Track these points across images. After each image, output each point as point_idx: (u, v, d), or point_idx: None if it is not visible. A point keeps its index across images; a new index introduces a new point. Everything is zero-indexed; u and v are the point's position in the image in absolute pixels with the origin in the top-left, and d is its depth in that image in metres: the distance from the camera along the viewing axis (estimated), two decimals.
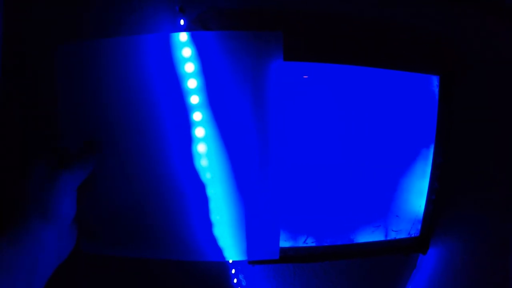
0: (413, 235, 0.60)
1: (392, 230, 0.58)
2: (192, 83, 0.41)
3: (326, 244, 0.56)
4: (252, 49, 0.40)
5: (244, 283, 0.59)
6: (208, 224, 0.43)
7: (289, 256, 0.55)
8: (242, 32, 0.40)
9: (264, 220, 0.43)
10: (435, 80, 0.56)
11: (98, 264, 0.58)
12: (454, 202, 0.62)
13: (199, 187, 0.42)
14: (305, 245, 0.55)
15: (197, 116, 0.42)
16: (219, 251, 0.43)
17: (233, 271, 0.59)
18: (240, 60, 0.40)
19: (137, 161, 0.42)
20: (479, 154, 0.62)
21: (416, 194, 0.58)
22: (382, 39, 0.58)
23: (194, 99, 0.41)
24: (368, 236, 0.58)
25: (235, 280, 0.59)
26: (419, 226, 0.60)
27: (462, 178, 0.62)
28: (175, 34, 0.41)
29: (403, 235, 0.59)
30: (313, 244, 0.55)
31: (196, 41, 0.40)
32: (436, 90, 0.56)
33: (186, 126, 0.42)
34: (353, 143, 0.55)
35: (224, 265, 0.59)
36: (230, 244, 0.43)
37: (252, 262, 0.55)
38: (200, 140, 0.42)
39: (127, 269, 0.59)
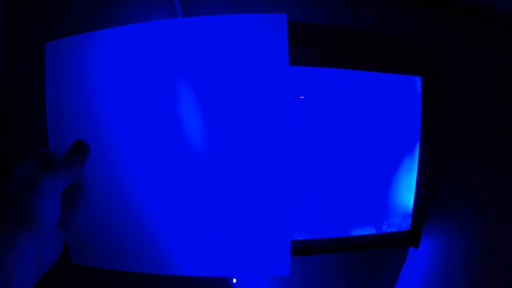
0: (404, 229, 0.62)
1: (383, 224, 0.61)
2: (192, 75, 0.37)
3: (319, 238, 0.58)
4: (254, 33, 0.36)
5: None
6: (209, 237, 0.39)
7: None
8: (244, 16, 0.37)
9: (271, 230, 0.38)
10: (418, 81, 0.59)
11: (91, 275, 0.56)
12: (442, 196, 0.64)
13: (198, 197, 0.38)
14: (298, 238, 0.58)
15: (195, 114, 0.37)
16: (218, 266, 0.39)
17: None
18: (241, 45, 0.37)
19: (129, 165, 0.38)
20: (464, 150, 0.65)
21: (404, 189, 0.61)
22: (370, 45, 0.62)
23: (194, 94, 0.37)
24: (360, 229, 0.60)
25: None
26: (409, 220, 0.62)
27: (449, 173, 0.65)
28: (171, 21, 0.38)
29: (394, 229, 0.62)
30: (306, 238, 0.58)
31: (194, 28, 0.37)
32: (420, 90, 0.59)
33: (184, 125, 0.38)
34: (344, 141, 0.58)
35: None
36: (231, 258, 0.38)
37: None
38: (199, 139, 0.38)
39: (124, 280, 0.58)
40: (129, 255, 0.39)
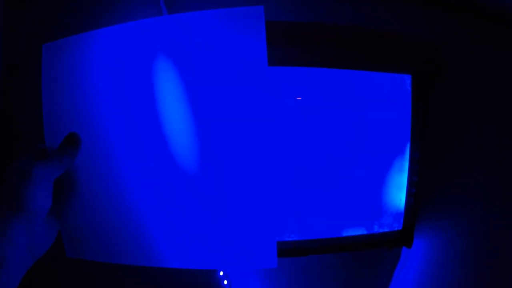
0: (396, 229, 0.62)
1: (375, 224, 0.61)
2: (174, 73, 0.38)
3: (310, 238, 0.58)
4: (231, 28, 0.37)
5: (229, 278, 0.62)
6: (196, 230, 0.40)
7: None
8: (220, 10, 0.37)
9: (257, 223, 0.38)
10: (408, 80, 0.59)
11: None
12: (434, 195, 0.64)
13: (186, 191, 0.39)
14: (289, 239, 0.58)
15: (183, 110, 0.38)
16: (205, 258, 0.40)
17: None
18: (219, 41, 0.37)
19: (121, 162, 0.40)
20: (458, 148, 0.64)
21: (396, 188, 0.61)
22: (360, 43, 0.62)
23: (177, 92, 0.38)
24: (351, 230, 0.60)
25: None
26: (401, 219, 0.62)
27: (441, 172, 0.64)
28: (155, 19, 0.39)
29: (386, 229, 0.62)
30: (297, 238, 0.58)
31: (173, 25, 0.38)
32: (410, 89, 0.59)
33: (170, 123, 0.39)
34: (334, 140, 0.58)
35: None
36: (218, 251, 0.39)
37: None
38: (186, 135, 0.39)
39: (118, 273, 0.59)
40: (119, 248, 0.41)
